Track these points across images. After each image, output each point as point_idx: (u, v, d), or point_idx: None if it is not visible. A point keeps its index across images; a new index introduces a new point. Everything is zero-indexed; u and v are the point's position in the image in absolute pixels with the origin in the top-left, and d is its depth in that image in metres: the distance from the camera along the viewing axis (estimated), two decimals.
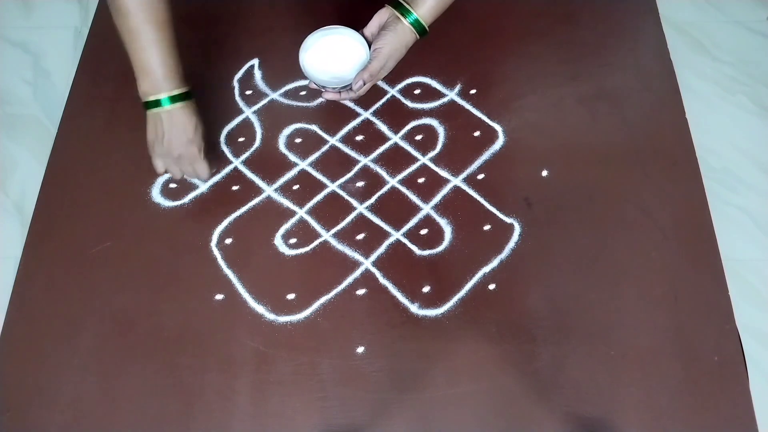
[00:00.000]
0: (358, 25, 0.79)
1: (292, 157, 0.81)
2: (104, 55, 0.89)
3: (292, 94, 0.86)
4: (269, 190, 0.79)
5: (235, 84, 0.88)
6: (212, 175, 0.79)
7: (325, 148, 0.82)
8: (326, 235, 0.75)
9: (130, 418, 0.66)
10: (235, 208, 0.77)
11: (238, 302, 0.71)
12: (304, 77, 0.85)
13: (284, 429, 0.65)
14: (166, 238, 0.76)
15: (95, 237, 0.76)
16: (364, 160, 0.81)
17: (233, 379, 0.67)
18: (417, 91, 0.86)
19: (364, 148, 0.82)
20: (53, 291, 0.72)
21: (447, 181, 0.79)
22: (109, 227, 0.76)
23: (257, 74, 0.88)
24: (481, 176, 0.79)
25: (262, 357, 0.68)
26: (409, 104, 0.85)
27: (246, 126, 0.84)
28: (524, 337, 0.68)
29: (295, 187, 0.79)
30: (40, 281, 0.73)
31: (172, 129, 0.71)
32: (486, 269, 0.73)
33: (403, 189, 0.79)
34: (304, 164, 0.81)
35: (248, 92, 0.87)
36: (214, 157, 0.80)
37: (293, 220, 0.77)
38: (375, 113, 0.84)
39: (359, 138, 0.83)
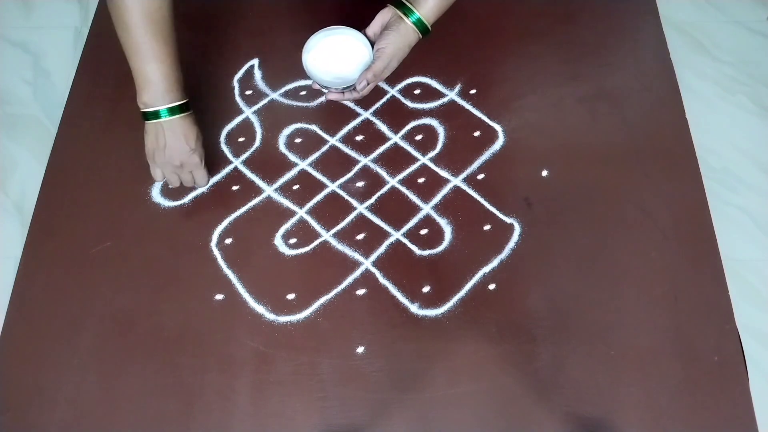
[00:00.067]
0: (359, 25, 0.79)
1: (292, 157, 0.81)
2: (104, 55, 0.89)
3: (292, 94, 0.86)
4: (269, 190, 0.79)
5: (235, 84, 0.88)
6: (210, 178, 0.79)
7: (325, 148, 0.82)
8: (326, 235, 0.75)
9: (130, 418, 0.66)
10: (235, 208, 0.77)
11: (238, 302, 0.71)
12: (304, 77, 0.85)
13: (284, 429, 0.65)
14: (166, 238, 0.76)
15: (95, 237, 0.76)
16: (364, 160, 0.81)
17: (233, 379, 0.67)
18: (417, 91, 0.86)
19: (364, 148, 0.82)
20: (53, 291, 0.72)
21: (447, 181, 0.79)
22: (109, 227, 0.76)
23: (257, 74, 0.88)
24: (481, 176, 0.79)
25: (262, 357, 0.68)
26: (409, 104, 0.85)
27: (246, 126, 0.84)
28: (524, 337, 0.68)
29: (295, 187, 0.79)
30: (40, 281, 0.73)
31: (175, 139, 0.72)
32: (486, 269, 0.73)
33: (403, 189, 0.79)
34: (304, 164, 0.81)
35: (248, 92, 0.87)
36: (212, 165, 0.80)
37: (293, 220, 0.77)
38: (375, 113, 0.84)
39: (359, 138, 0.83)
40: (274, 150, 0.82)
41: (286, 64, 0.88)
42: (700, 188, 0.77)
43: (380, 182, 0.79)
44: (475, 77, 0.87)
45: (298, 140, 0.83)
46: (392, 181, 0.79)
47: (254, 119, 0.85)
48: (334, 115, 0.84)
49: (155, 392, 0.66)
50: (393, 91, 0.86)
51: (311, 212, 0.77)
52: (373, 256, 0.74)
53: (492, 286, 0.71)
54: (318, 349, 0.68)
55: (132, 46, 0.69)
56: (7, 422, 0.65)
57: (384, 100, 0.85)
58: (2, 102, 1.43)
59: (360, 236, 0.75)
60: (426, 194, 0.78)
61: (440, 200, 0.77)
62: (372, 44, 0.78)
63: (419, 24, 0.76)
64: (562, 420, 0.64)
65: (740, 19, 1.52)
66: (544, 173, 0.79)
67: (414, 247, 0.74)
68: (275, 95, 0.86)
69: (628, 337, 0.68)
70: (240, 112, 0.85)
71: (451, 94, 0.86)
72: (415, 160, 0.81)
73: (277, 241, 0.75)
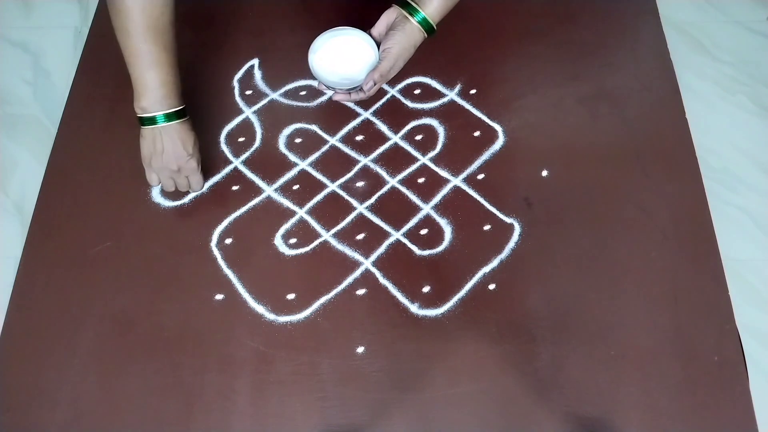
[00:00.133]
0: (360, 24, 0.79)
1: (292, 157, 0.81)
2: (104, 55, 0.89)
3: (292, 94, 0.86)
4: (269, 190, 0.79)
5: (235, 84, 0.87)
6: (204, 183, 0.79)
7: (325, 148, 0.82)
8: (326, 235, 0.75)
9: (130, 418, 0.66)
10: (235, 208, 0.77)
11: (238, 302, 0.71)
12: (304, 77, 0.85)
13: (284, 429, 0.65)
14: (166, 238, 0.76)
15: (95, 237, 0.76)
16: (364, 160, 0.81)
17: (233, 379, 0.67)
18: (417, 91, 0.86)
19: (364, 148, 0.82)
20: (53, 291, 0.72)
21: (447, 181, 0.79)
22: (109, 227, 0.76)
23: (257, 74, 0.88)
24: (481, 176, 0.79)
25: (262, 357, 0.68)
26: (409, 104, 0.85)
27: (246, 126, 0.84)
28: (524, 337, 0.68)
29: (295, 187, 0.79)
30: (40, 281, 0.73)
31: (173, 144, 0.72)
32: (486, 269, 0.73)
33: (403, 189, 0.79)
34: (304, 164, 0.81)
35: (248, 92, 0.87)
36: (212, 165, 0.80)
37: (293, 220, 0.77)
38: (375, 113, 0.84)
39: (359, 138, 0.83)
40: (274, 150, 0.82)
41: (286, 64, 0.88)
42: (700, 188, 0.77)
43: (380, 182, 0.79)
44: (475, 77, 0.87)
45: (298, 140, 0.83)
46: (392, 181, 0.79)
47: (254, 119, 0.85)
48: (334, 115, 0.84)
49: (155, 392, 0.66)
50: (393, 91, 0.86)
51: (311, 212, 0.77)
52: (373, 256, 0.74)
53: (492, 286, 0.71)
54: (318, 349, 0.68)
55: (132, 52, 0.69)
56: (7, 422, 0.65)
57: (384, 100, 0.85)
58: (2, 102, 1.43)
59: (360, 236, 0.75)
60: (426, 194, 0.78)
61: (440, 200, 0.77)
62: (377, 44, 0.78)
63: (424, 23, 0.76)
64: (562, 420, 0.64)
65: (740, 19, 1.52)
66: (544, 173, 0.79)
67: (414, 247, 0.74)
68: (275, 95, 0.86)
69: (628, 337, 0.68)
70: (240, 112, 0.85)
71: (451, 94, 0.86)
72: (415, 160, 0.81)
73: (277, 241, 0.75)
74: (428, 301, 0.71)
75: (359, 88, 0.78)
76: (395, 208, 0.77)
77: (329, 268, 0.73)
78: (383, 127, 0.83)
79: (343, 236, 0.75)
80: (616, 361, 0.67)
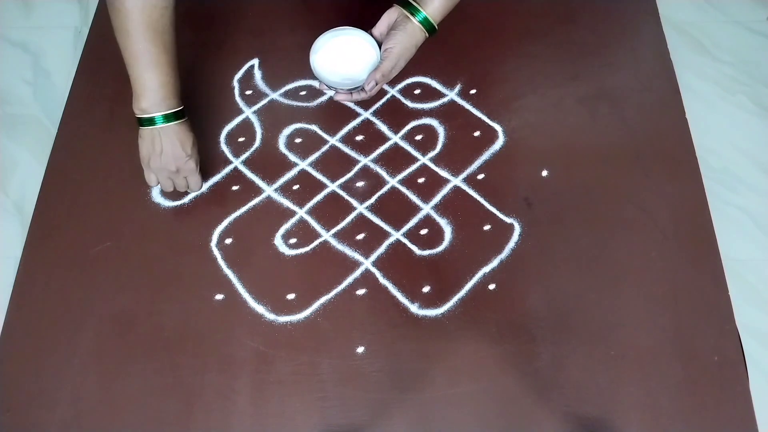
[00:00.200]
0: (360, 24, 0.79)
1: (292, 157, 0.81)
2: (104, 55, 0.89)
3: (292, 94, 0.86)
4: (269, 190, 0.79)
5: (235, 84, 0.87)
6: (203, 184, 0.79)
7: (325, 148, 0.82)
8: (326, 235, 0.75)
9: (130, 418, 0.66)
10: (235, 208, 0.77)
11: (238, 302, 0.71)
12: (304, 77, 0.85)
13: (284, 429, 0.65)
14: (166, 238, 0.76)
15: (95, 237, 0.76)
16: (364, 160, 0.81)
17: (233, 379, 0.67)
18: (417, 91, 0.86)
19: (364, 148, 0.82)
20: (53, 291, 0.72)
21: (447, 181, 0.79)
22: (109, 227, 0.76)
23: (257, 74, 0.88)
24: (481, 176, 0.79)
25: (262, 357, 0.68)
26: (409, 104, 0.85)
27: (246, 126, 0.84)
28: (524, 337, 0.68)
29: (295, 187, 0.79)
30: (40, 281, 0.73)
31: (172, 145, 0.72)
32: (486, 269, 0.73)
33: (403, 189, 0.79)
34: (304, 164, 0.81)
35: (248, 92, 0.87)
36: (212, 165, 0.80)
37: (293, 220, 0.77)
38: (375, 113, 0.84)
39: (359, 138, 0.83)
40: (274, 150, 0.82)
41: (286, 64, 0.88)
42: (700, 188, 0.77)
43: (380, 182, 0.79)
44: (475, 77, 0.87)
45: (298, 140, 0.83)
46: (392, 181, 0.79)
47: (254, 119, 0.85)
48: (334, 115, 0.84)
49: (155, 392, 0.66)
50: (393, 91, 0.86)
51: (311, 212, 0.77)
52: (373, 256, 0.74)
53: (492, 286, 0.71)
54: (318, 349, 0.68)
55: (132, 53, 0.69)
56: (7, 422, 0.65)
57: (384, 100, 0.85)
58: (2, 102, 1.43)
59: (360, 236, 0.75)
60: (426, 194, 0.78)
61: (440, 200, 0.77)
62: (379, 44, 0.78)
63: (426, 23, 0.76)
64: (562, 420, 0.64)
65: (740, 19, 1.52)
66: (544, 173, 0.79)
67: (414, 247, 0.74)
68: (275, 95, 0.86)
69: (628, 337, 0.68)
70: (240, 112, 0.85)
71: (451, 94, 0.86)
72: (415, 160, 0.81)
73: (277, 241, 0.75)
74: (428, 301, 0.71)
75: (361, 88, 0.78)
76: (395, 208, 0.77)
77: (329, 268, 0.73)
78: (383, 127, 0.83)
79: (343, 236, 0.75)
80: (616, 361, 0.67)
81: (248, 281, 0.72)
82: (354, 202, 0.78)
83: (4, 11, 1.57)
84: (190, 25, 0.88)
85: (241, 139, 0.83)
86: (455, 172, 0.79)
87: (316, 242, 0.75)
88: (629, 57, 0.89)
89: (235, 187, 0.79)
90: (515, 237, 0.74)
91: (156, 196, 0.79)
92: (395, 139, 0.82)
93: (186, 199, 0.78)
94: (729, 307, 0.70)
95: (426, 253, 0.74)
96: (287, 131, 0.83)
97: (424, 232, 0.75)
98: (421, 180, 0.79)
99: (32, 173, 1.31)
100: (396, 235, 0.75)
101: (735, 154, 1.34)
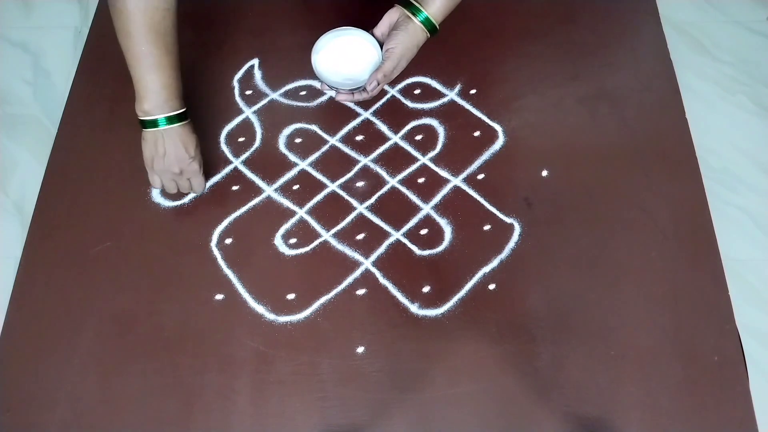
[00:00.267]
0: (360, 24, 0.79)
1: (292, 157, 0.81)
2: (104, 55, 0.89)
3: (292, 94, 0.86)
4: (269, 190, 0.79)
5: (235, 84, 0.87)
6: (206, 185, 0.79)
7: (325, 148, 0.82)
8: (326, 235, 0.75)
9: (130, 418, 0.66)
10: (235, 208, 0.77)
11: (238, 302, 0.71)
12: (304, 77, 0.85)
13: (284, 429, 0.65)
14: (166, 238, 0.76)
15: (95, 237, 0.76)
16: (364, 160, 0.81)
17: (233, 379, 0.67)
18: (417, 91, 0.86)
19: (364, 148, 0.82)
20: (53, 291, 0.72)
21: (447, 181, 0.79)
22: (109, 227, 0.76)
23: (257, 74, 0.88)
24: (481, 176, 0.79)
25: (262, 357, 0.68)
26: (409, 104, 0.85)
27: (246, 126, 0.84)
28: (524, 337, 0.68)
29: (295, 187, 0.79)
30: (40, 281, 0.73)
31: (175, 147, 0.72)
32: (486, 269, 0.73)
33: (403, 189, 0.79)
34: (304, 164, 0.81)
35: (248, 92, 0.87)
36: (212, 165, 0.80)
37: (293, 220, 0.77)
38: (375, 113, 0.84)
39: (359, 138, 0.83)
40: (274, 150, 0.82)
41: (286, 64, 0.88)
42: (700, 188, 0.77)
43: (380, 182, 0.79)
44: (475, 77, 0.87)
45: (298, 140, 0.83)
46: (392, 181, 0.79)
47: (254, 119, 0.85)
48: (334, 115, 0.84)
49: (155, 392, 0.66)
50: (393, 91, 0.86)
51: (311, 212, 0.77)
52: (373, 256, 0.74)
53: (492, 286, 0.71)
54: (318, 349, 0.68)
55: (134, 54, 0.69)
56: (7, 422, 0.65)
57: (384, 100, 0.85)
58: (2, 102, 1.43)
59: (360, 236, 0.75)
60: (426, 194, 0.78)
61: (440, 200, 0.77)
62: (380, 44, 0.78)
63: (427, 23, 0.76)
64: (562, 420, 0.64)
65: (740, 19, 1.52)
66: (544, 173, 0.79)
67: (414, 247, 0.74)
68: (275, 95, 0.86)
69: (628, 337, 0.68)
70: (240, 112, 0.85)
71: (451, 94, 0.86)
72: (415, 160, 0.81)
73: (277, 241, 0.75)
74: (428, 301, 0.71)
75: (362, 89, 0.78)
76: (395, 208, 0.77)
77: (329, 268, 0.73)
78: (383, 127, 0.83)
79: (343, 236, 0.75)
80: (616, 361, 0.67)
81: (248, 281, 0.72)
82: (354, 202, 0.78)
83: (4, 11, 1.57)
84: (191, 26, 0.88)
85: (241, 139, 0.83)
86: (455, 172, 0.79)
87: (316, 242, 0.75)
88: (629, 57, 0.89)
89: (235, 187, 0.79)
90: (515, 237, 0.74)
91: (156, 196, 0.79)
92: (395, 139, 0.82)
93: (186, 199, 0.78)
94: (729, 307, 0.70)
95: (426, 253, 0.74)
96: (287, 131, 0.83)
97: (424, 232, 0.75)
98: (421, 180, 0.79)
99: (32, 173, 1.32)
100: (396, 235, 0.75)
101: (735, 154, 1.34)
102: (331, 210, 0.77)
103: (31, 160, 1.35)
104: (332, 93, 0.84)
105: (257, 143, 0.83)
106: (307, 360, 0.68)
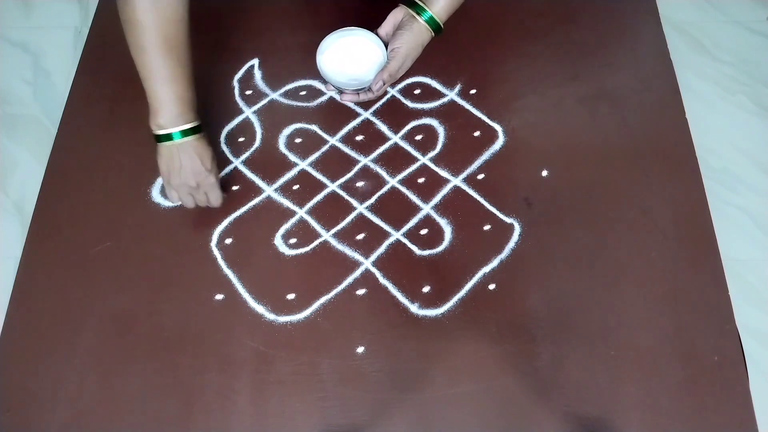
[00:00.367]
0: (364, 24, 0.79)
1: (292, 157, 0.81)
2: (104, 55, 0.89)
3: (292, 94, 0.86)
4: (269, 190, 0.79)
5: (235, 84, 0.87)
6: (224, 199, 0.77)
7: (325, 148, 0.82)
8: (326, 235, 0.75)
9: (130, 417, 0.66)
10: (235, 208, 0.77)
11: (238, 302, 0.71)
12: (304, 77, 0.85)
13: (284, 429, 0.65)
14: (166, 238, 0.76)
15: (95, 237, 0.76)
16: (364, 160, 0.81)
17: (233, 379, 0.67)
18: (417, 91, 0.86)
19: (364, 148, 0.82)
20: (53, 291, 0.72)
21: (447, 181, 0.79)
22: (109, 227, 0.76)
23: (257, 74, 0.88)
24: (481, 176, 0.79)
25: (262, 357, 0.68)
26: (409, 104, 0.85)
27: (246, 126, 0.84)
28: (524, 337, 0.68)
29: (295, 187, 0.79)
30: (40, 281, 0.73)
31: (190, 160, 0.71)
32: (486, 269, 0.73)
33: (403, 189, 0.79)
34: (304, 164, 0.81)
35: (248, 92, 0.87)
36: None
37: (293, 220, 0.77)
38: (375, 113, 0.84)
39: (359, 138, 0.83)
40: (274, 150, 0.82)
41: (286, 64, 0.88)
42: (700, 188, 0.77)
43: (380, 182, 0.79)
44: (475, 77, 0.87)
45: (298, 140, 0.83)
46: (392, 181, 0.79)
47: (254, 119, 0.85)
48: (334, 115, 0.84)
49: (155, 392, 0.66)
50: (393, 91, 0.86)
51: (311, 212, 0.77)
52: (373, 256, 0.74)
53: (492, 286, 0.71)
54: (318, 349, 0.68)
55: (148, 68, 0.68)
56: (7, 422, 0.65)
57: (384, 100, 0.85)
58: (2, 102, 1.43)
59: (360, 236, 0.75)
60: (426, 194, 0.78)
61: (440, 200, 0.77)
62: (385, 44, 0.78)
63: (432, 22, 0.76)
64: (562, 420, 0.64)
65: (740, 19, 1.52)
66: (544, 173, 0.79)
67: (414, 247, 0.74)
68: (275, 95, 0.86)
69: (628, 337, 0.68)
70: (240, 112, 0.85)
71: (451, 94, 0.86)
72: (415, 160, 0.81)
73: (277, 241, 0.75)
74: (428, 301, 0.71)
75: (367, 88, 0.78)
76: (395, 208, 0.77)
77: (329, 268, 0.73)
78: (383, 127, 0.83)
79: (343, 236, 0.75)
80: (616, 361, 0.67)
81: (248, 281, 0.72)
82: (354, 202, 0.78)
83: (4, 11, 1.57)
84: (191, 26, 0.88)
85: (241, 139, 0.83)
86: (455, 172, 0.79)
87: (316, 242, 0.75)
88: (629, 57, 0.89)
89: (235, 187, 0.79)
90: (515, 237, 0.74)
91: (156, 196, 0.79)
92: (395, 139, 0.82)
93: None
94: (729, 307, 0.70)
95: (426, 253, 0.74)
96: (287, 131, 0.83)
97: (424, 232, 0.75)
98: (421, 180, 0.79)
99: (32, 173, 1.32)
100: (396, 235, 0.75)
101: (735, 154, 1.34)
102: (331, 210, 0.77)
103: (31, 160, 1.35)
104: (335, 94, 0.84)
105: (257, 143, 0.83)
106: (307, 360, 0.68)
